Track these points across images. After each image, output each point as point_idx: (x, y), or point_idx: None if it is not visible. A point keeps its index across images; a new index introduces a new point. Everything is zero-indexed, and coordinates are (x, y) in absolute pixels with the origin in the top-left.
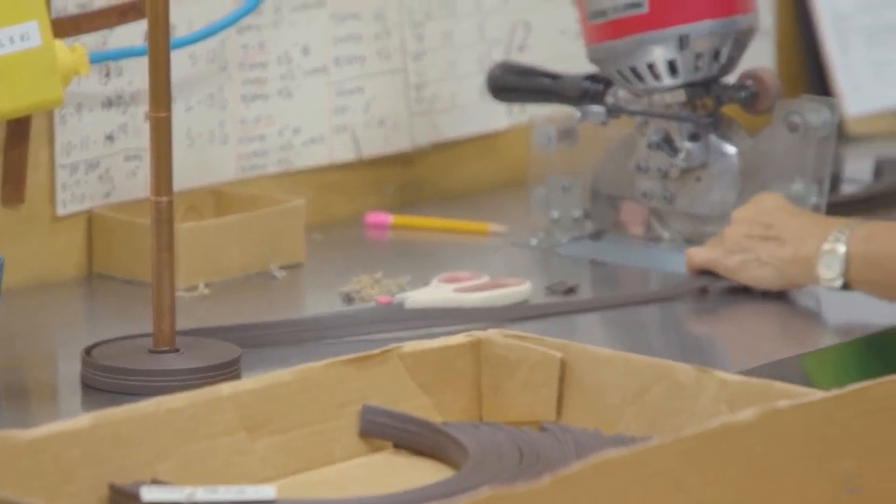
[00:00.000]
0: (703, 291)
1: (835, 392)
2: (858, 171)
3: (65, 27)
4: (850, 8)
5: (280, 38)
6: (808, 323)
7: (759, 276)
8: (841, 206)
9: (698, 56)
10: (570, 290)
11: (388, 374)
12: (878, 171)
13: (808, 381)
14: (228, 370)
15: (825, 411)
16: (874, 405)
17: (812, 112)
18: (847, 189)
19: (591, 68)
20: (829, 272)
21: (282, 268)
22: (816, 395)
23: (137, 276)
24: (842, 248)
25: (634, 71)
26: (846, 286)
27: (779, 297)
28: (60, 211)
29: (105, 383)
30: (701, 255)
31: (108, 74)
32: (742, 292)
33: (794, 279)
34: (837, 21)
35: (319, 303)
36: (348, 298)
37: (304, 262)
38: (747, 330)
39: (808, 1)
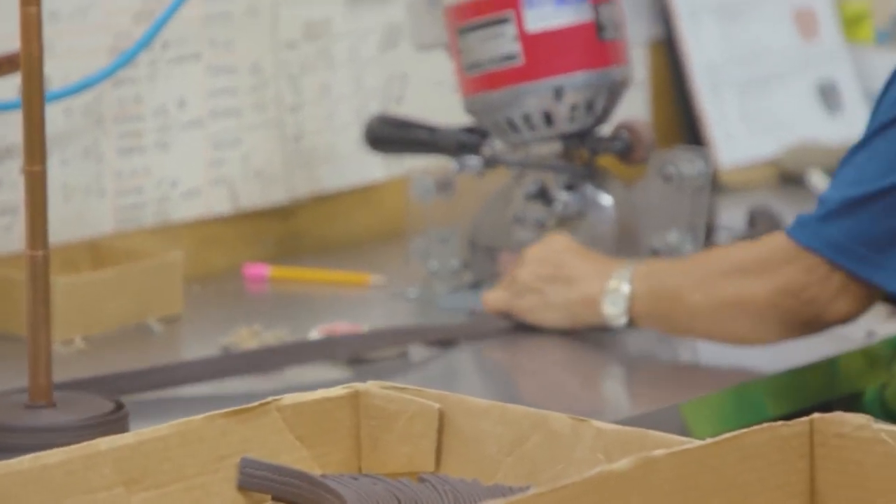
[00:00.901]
0: (502, 330)
1: (710, 440)
2: (732, 220)
3: None
4: (721, 60)
5: (156, 91)
6: (686, 371)
7: (548, 318)
8: None
9: (573, 107)
10: (448, 342)
11: (267, 426)
12: (752, 220)
13: (685, 430)
14: (106, 423)
15: (701, 459)
16: (749, 452)
17: (686, 163)
18: (721, 238)
19: (468, 120)
20: (614, 309)
21: (160, 321)
22: (692, 443)
23: (14, 330)
24: (625, 286)
25: (510, 122)
26: (631, 322)
27: (662, 346)
28: None
29: None
30: (495, 298)
31: None
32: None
33: (583, 319)
34: (710, 73)
35: (197, 355)
36: (227, 351)
37: (182, 315)
38: (625, 378)
39: (682, 53)
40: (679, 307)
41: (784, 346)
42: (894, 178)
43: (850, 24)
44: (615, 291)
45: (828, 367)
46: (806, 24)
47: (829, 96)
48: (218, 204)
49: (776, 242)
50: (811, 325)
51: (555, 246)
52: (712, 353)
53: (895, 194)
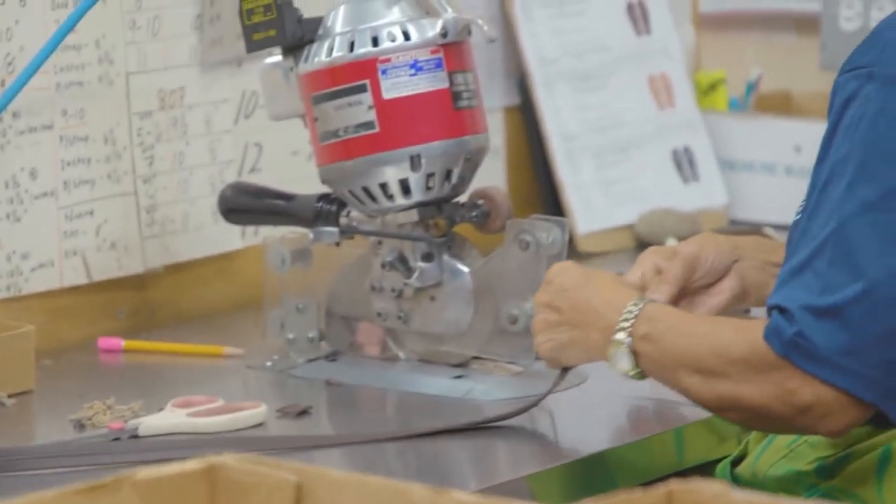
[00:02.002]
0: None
1: None
2: None
3: None
4: (577, 129)
5: (7, 162)
6: (538, 443)
7: (573, 356)
8: None
9: (430, 176)
10: (304, 413)
11: (121, 503)
12: None
13: (534, 501)
14: None
15: None
16: None
17: (542, 231)
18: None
19: (324, 189)
20: (621, 365)
21: (10, 395)
22: None
23: None
24: (626, 343)
25: (367, 191)
26: (643, 375)
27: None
28: None
29: None
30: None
31: None
32: (475, 412)
33: (598, 358)
34: (566, 141)
35: (50, 430)
36: (80, 425)
37: (34, 389)
38: (481, 450)
39: (538, 120)
40: (677, 381)
41: (631, 417)
42: (861, 286)
43: (705, 91)
44: (618, 346)
45: (674, 438)
46: (661, 91)
47: (684, 164)
48: (71, 276)
49: (759, 346)
50: (803, 431)
51: (554, 286)
52: (561, 424)
53: (867, 300)
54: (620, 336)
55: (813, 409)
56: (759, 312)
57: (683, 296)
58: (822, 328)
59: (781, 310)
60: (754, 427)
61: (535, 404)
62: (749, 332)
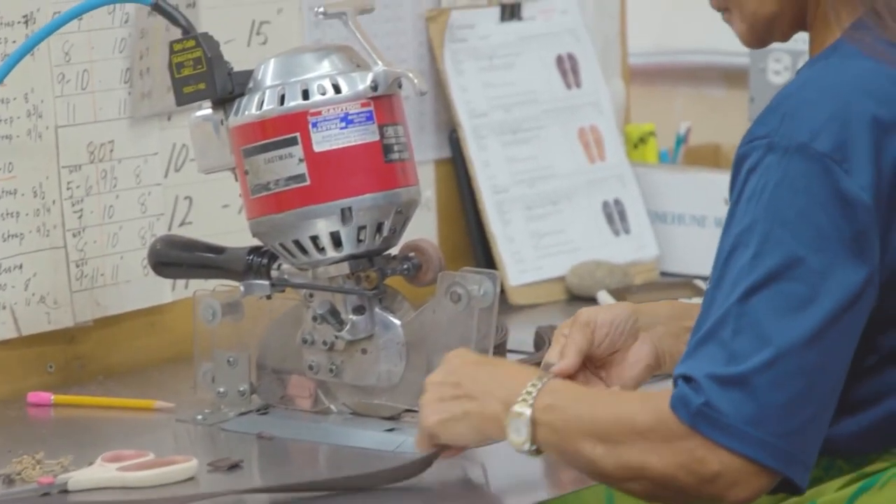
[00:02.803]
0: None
1: None
2: (521, 340)
3: None
4: (508, 181)
5: None
6: (471, 494)
7: (458, 432)
8: None
9: (361, 229)
10: (235, 466)
11: None
12: (539, 339)
13: None
14: None
15: None
16: None
17: (474, 283)
18: (511, 358)
19: (255, 242)
20: (518, 436)
21: None
22: None
23: None
24: (527, 413)
25: (298, 244)
26: (538, 451)
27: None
28: None
29: None
30: (417, 441)
31: None
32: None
33: (490, 435)
34: (497, 193)
35: None
36: (9, 480)
37: None
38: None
39: (469, 174)
40: (580, 453)
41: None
42: (770, 353)
43: (635, 144)
44: (518, 417)
45: (605, 491)
46: (591, 144)
47: (615, 216)
48: (0, 329)
49: (666, 415)
50: (710, 501)
51: (451, 365)
52: (493, 476)
53: (772, 370)
54: (520, 408)
55: (720, 478)
56: None
57: (597, 371)
58: (728, 397)
59: (687, 379)
60: (658, 499)
61: (402, 479)
62: (654, 402)
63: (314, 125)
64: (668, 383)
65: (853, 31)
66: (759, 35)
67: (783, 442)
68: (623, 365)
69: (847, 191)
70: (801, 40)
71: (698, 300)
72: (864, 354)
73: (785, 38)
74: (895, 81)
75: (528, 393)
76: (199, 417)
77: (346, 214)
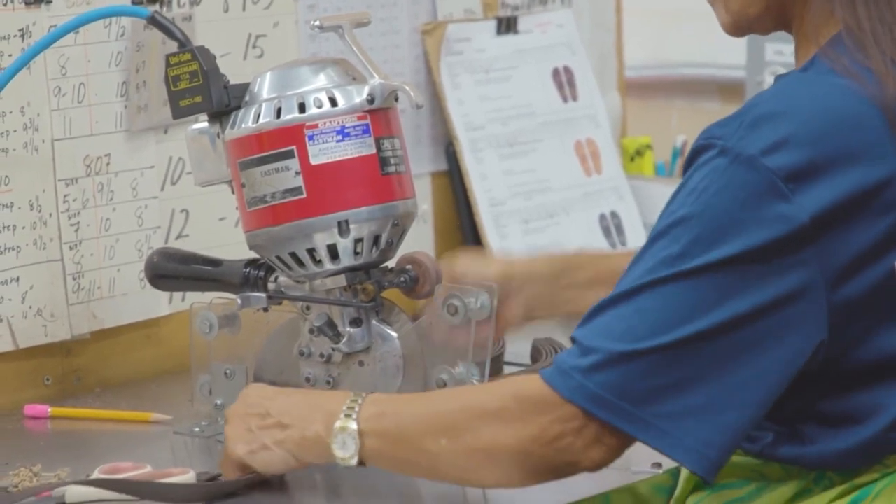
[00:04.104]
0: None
1: None
2: (518, 353)
3: None
4: (505, 194)
5: None
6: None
7: (270, 460)
8: None
9: (358, 241)
10: (214, 479)
11: None
12: (535, 352)
13: None
14: None
15: None
16: None
17: (471, 296)
18: (509, 371)
19: (251, 255)
20: (345, 451)
21: None
22: None
23: None
24: (353, 426)
25: (295, 257)
26: (361, 463)
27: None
28: None
29: None
30: (225, 467)
31: None
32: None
33: (306, 458)
34: (493, 206)
35: None
36: (6, 493)
37: None
38: None
39: (466, 186)
40: (420, 452)
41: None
42: (662, 339)
43: (632, 157)
44: (343, 431)
45: (602, 502)
46: (588, 157)
47: (611, 229)
48: None
49: (532, 389)
50: (562, 471)
51: (252, 398)
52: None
53: (661, 354)
54: (343, 422)
55: (575, 446)
56: None
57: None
58: (599, 369)
59: (576, 343)
60: (508, 483)
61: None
62: (499, 385)
63: (311, 138)
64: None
65: (829, 48)
66: (741, 29)
67: (636, 408)
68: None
69: (786, 211)
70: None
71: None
72: (848, 371)
73: (766, 33)
74: (863, 103)
75: (350, 408)
76: (196, 430)
77: (342, 227)
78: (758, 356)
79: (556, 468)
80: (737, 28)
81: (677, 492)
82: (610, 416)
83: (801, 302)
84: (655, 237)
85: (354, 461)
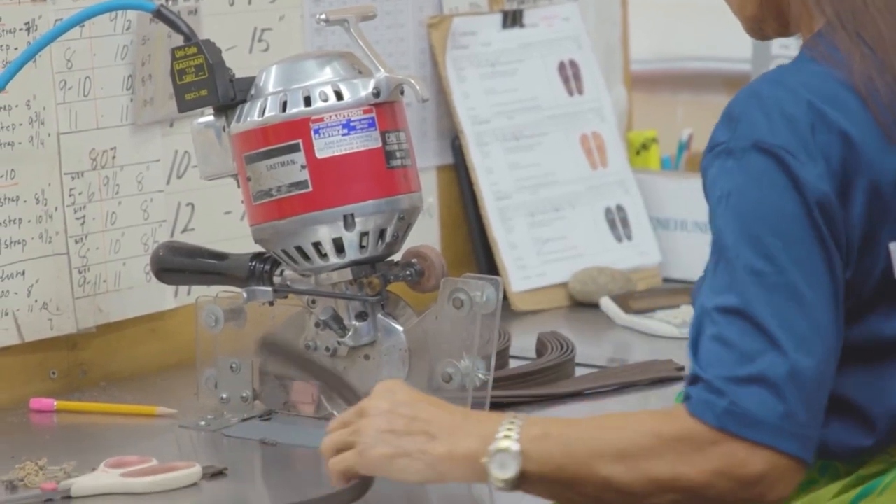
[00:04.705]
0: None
1: None
2: (524, 347)
3: None
4: (510, 187)
5: None
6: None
7: (409, 470)
8: (508, 381)
9: (364, 235)
10: (219, 473)
11: None
12: (541, 345)
13: None
14: None
15: None
16: None
17: (476, 290)
18: (514, 364)
19: (257, 248)
20: (504, 472)
21: None
22: None
23: None
24: (514, 447)
25: (301, 250)
26: (517, 487)
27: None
28: None
29: None
30: (340, 461)
31: None
32: None
33: (449, 475)
34: (499, 200)
35: None
36: (12, 486)
37: None
38: None
39: (471, 180)
40: (589, 478)
41: None
42: (776, 351)
43: (637, 151)
44: (503, 452)
45: None
46: (594, 151)
47: (617, 222)
48: (2, 336)
49: (690, 423)
50: (743, 498)
51: (400, 397)
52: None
53: (784, 365)
54: (505, 443)
55: (765, 479)
56: None
57: None
58: (751, 395)
59: (699, 381)
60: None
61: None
62: (670, 413)
63: (316, 132)
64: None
65: (811, 40)
66: (753, 31)
67: (812, 432)
68: None
69: (805, 178)
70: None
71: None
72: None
73: (780, 36)
74: (843, 86)
75: (510, 428)
76: (202, 423)
77: (348, 221)
78: (839, 325)
79: (739, 502)
80: (750, 31)
81: None
82: (785, 444)
83: (840, 267)
84: (715, 263)
85: (512, 484)
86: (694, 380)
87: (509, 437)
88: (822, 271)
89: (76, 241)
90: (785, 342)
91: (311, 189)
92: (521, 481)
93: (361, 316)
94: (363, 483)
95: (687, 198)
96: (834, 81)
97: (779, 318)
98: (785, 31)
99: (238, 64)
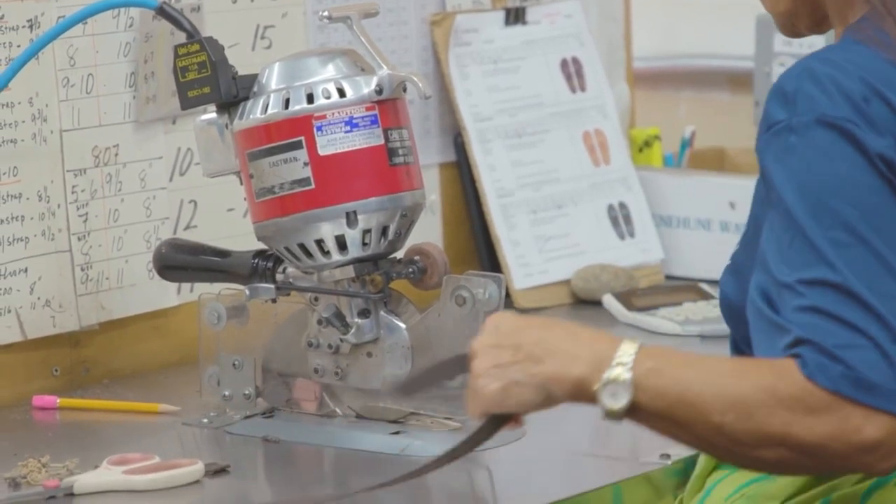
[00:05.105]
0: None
1: None
2: None
3: None
4: (513, 185)
5: None
6: (476, 500)
7: (524, 397)
8: None
9: (366, 232)
10: (222, 471)
11: None
12: None
13: None
14: None
15: None
16: None
17: (479, 287)
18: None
19: (260, 246)
20: (615, 402)
21: None
22: None
23: None
24: (627, 376)
25: (303, 247)
26: (626, 417)
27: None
28: None
29: None
30: (471, 412)
31: None
32: None
33: (559, 397)
34: (502, 197)
35: None
36: (14, 483)
37: None
38: None
39: (474, 177)
40: (699, 421)
41: (568, 473)
42: (877, 320)
43: (640, 148)
44: (615, 382)
45: (612, 493)
46: (596, 148)
47: (619, 220)
48: (5, 333)
49: (806, 384)
50: (859, 470)
51: (504, 328)
52: (499, 480)
53: (887, 331)
54: (616, 373)
55: (881, 446)
56: None
57: None
58: (865, 361)
59: (802, 342)
60: (793, 467)
61: (465, 452)
62: (788, 371)
63: (319, 129)
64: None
65: (855, 24)
66: (785, 27)
67: None
68: None
69: (873, 147)
70: (805, 45)
71: (703, 303)
72: None
73: (812, 32)
74: (893, 66)
75: (626, 354)
76: (205, 421)
77: (351, 218)
78: None
79: (850, 467)
80: (783, 27)
81: (698, 469)
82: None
83: None
84: (790, 241)
85: (621, 414)
86: (798, 342)
87: (623, 365)
88: None
89: (79, 239)
90: (883, 310)
91: (313, 186)
92: (631, 413)
93: (364, 313)
94: (493, 421)
95: (690, 195)
96: (883, 62)
97: (870, 286)
98: (818, 28)
99: (241, 61)
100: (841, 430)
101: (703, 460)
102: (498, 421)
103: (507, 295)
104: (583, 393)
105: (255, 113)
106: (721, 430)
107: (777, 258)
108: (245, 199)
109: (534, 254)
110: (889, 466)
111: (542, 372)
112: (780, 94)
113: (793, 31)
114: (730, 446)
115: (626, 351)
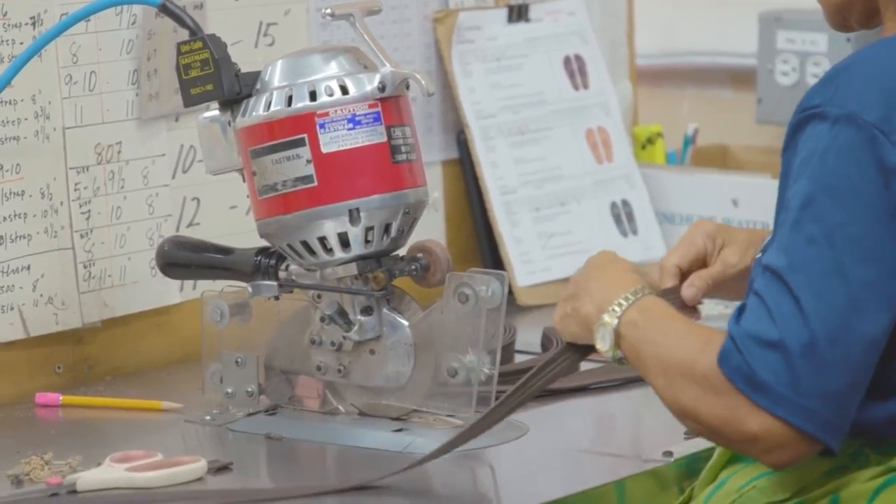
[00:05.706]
0: None
1: None
2: (529, 341)
3: None
4: (516, 182)
5: None
6: (479, 495)
7: (568, 328)
8: (514, 375)
9: (369, 229)
10: (224, 468)
11: None
12: (546, 339)
13: None
14: None
15: None
16: None
17: (481, 284)
18: (519, 359)
19: (262, 243)
20: (603, 344)
21: None
22: None
23: None
24: (612, 323)
25: (306, 245)
26: (621, 361)
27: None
28: None
29: None
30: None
31: None
32: None
33: (590, 336)
34: (505, 194)
35: None
36: (17, 480)
37: None
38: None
39: (477, 175)
40: (650, 379)
41: (572, 469)
42: (803, 322)
43: (643, 145)
44: (604, 326)
45: (615, 490)
46: (599, 145)
47: (622, 217)
48: (8, 331)
49: (716, 367)
50: (754, 458)
51: (585, 266)
52: (502, 477)
53: (808, 337)
54: (606, 317)
55: (760, 441)
56: None
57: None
58: (765, 359)
59: (736, 323)
60: (713, 441)
61: (545, 385)
62: (712, 347)
63: (322, 126)
64: None
65: None
66: (835, 21)
67: (821, 407)
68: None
69: (891, 161)
70: (808, 42)
71: (705, 301)
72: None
73: (863, 26)
74: None
75: (619, 304)
76: (208, 418)
77: (353, 215)
78: (885, 314)
79: (746, 454)
80: (831, 20)
81: (712, 461)
82: (788, 415)
83: None
84: (781, 222)
85: (610, 355)
86: (734, 322)
87: (613, 313)
88: (880, 256)
89: (81, 236)
90: (814, 315)
91: (316, 184)
92: (622, 355)
93: (367, 310)
94: (570, 349)
95: (692, 192)
96: None
97: (814, 289)
98: (869, 21)
99: (243, 58)
100: (731, 416)
101: (718, 452)
102: (578, 349)
103: (510, 292)
104: (590, 332)
105: (258, 110)
106: (658, 391)
107: (773, 235)
108: (248, 196)
109: (537, 251)
110: (774, 461)
111: (574, 311)
112: (828, 77)
113: (843, 24)
114: (668, 409)
115: (623, 300)
